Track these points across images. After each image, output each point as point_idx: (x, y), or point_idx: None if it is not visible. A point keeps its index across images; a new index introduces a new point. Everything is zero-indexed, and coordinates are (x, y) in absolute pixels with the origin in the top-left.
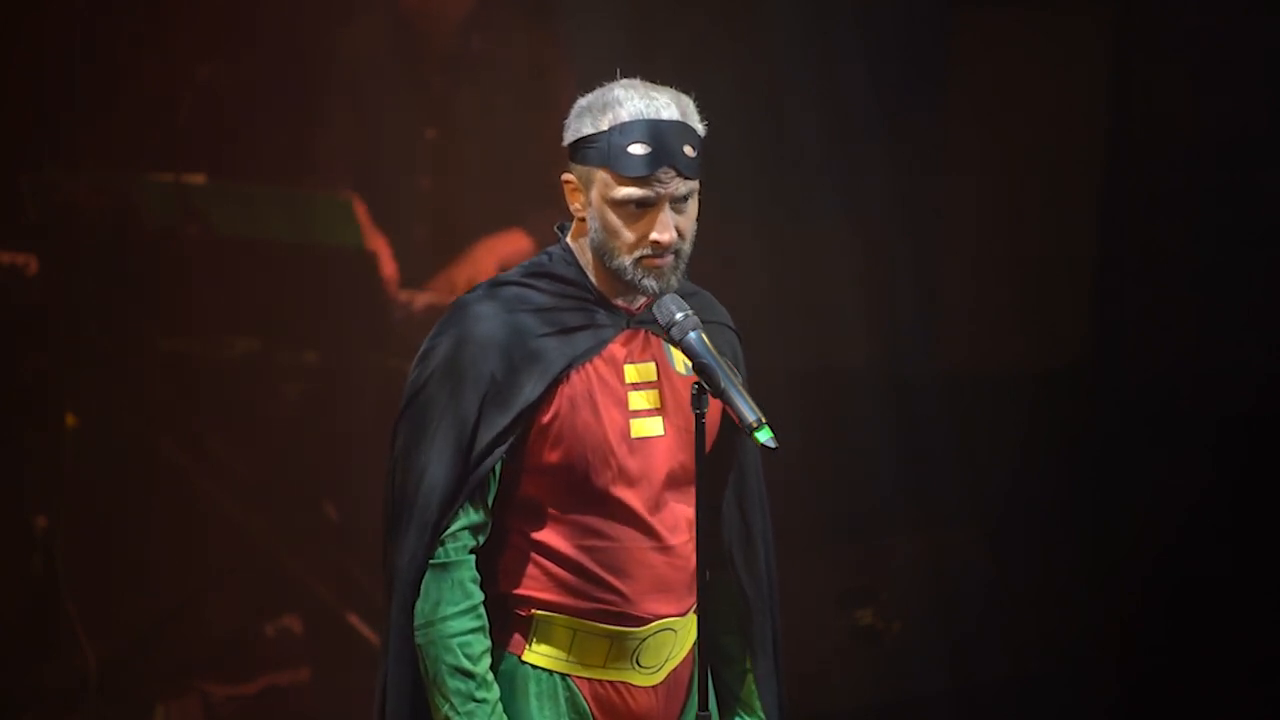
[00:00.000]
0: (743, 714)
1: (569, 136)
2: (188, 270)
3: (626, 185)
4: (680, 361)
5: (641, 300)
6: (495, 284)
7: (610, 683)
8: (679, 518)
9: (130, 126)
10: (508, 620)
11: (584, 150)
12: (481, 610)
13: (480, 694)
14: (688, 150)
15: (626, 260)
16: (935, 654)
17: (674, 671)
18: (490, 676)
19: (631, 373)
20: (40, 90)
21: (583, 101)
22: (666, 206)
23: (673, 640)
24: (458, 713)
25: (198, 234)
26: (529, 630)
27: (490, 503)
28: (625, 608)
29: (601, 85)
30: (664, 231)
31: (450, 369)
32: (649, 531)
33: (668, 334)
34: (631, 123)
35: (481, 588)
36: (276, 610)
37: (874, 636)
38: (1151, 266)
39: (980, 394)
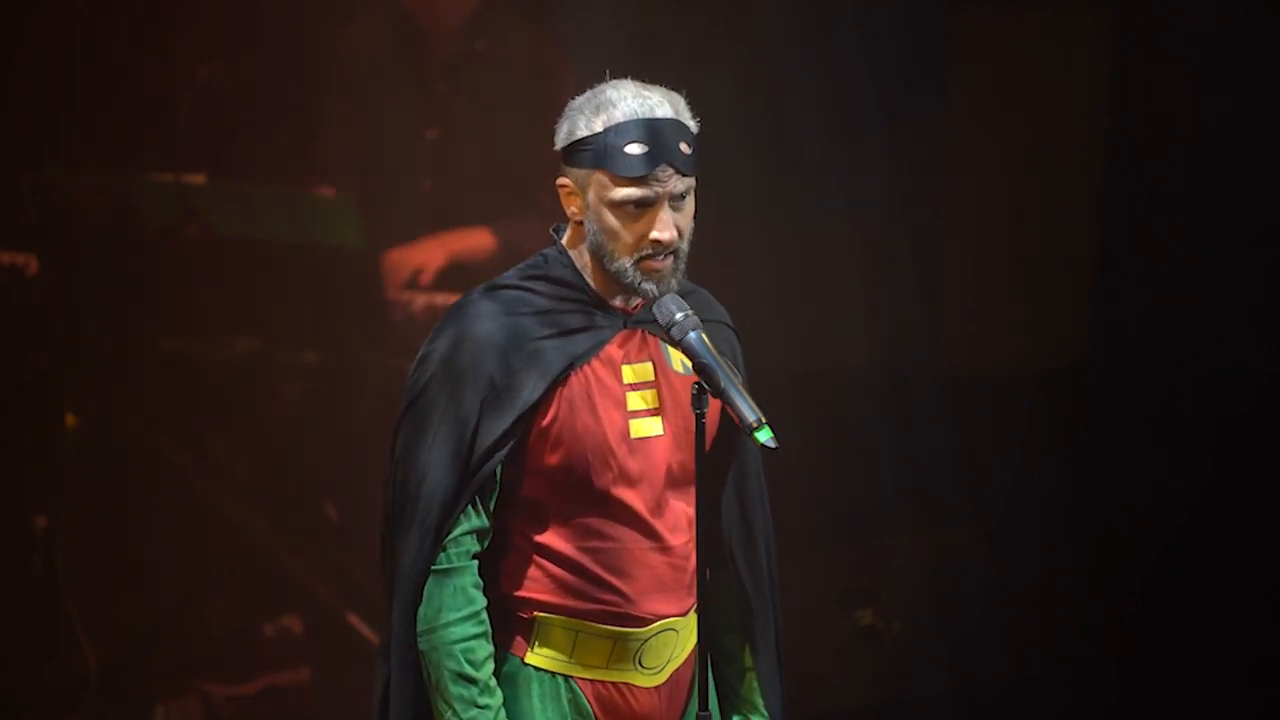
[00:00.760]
0: (745, 712)
1: (561, 140)
2: (188, 270)
3: (625, 186)
4: (678, 360)
5: (638, 300)
6: (493, 286)
7: (613, 684)
8: (679, 517)
9: (130, 126)
10: (510, 622)
11: (579, 153)
12: (484, 616)
13: (483, 700)
14: (684, 147)
15: (626, 262)
16: (935, 654)
17: (676, 672)
18: (493, 682)
19: (629, 373)
20: (40, 90)
21: (574, 104)
22: (665, 205)
23: (674, 640)
24: (460, 718)
25: (198, 234)
26: (531, 632)
27: (492, 507)
28: (627, 608)
29: (592, 87)
30: (665, 230)
31: (450, 371)
32: (649, 532)
33: (668, 334)
34: (627, 123)
35: (484, 591)
36: (276, 610)
37: (874, 636)
38: (1151, 266)
39: (980, 394)
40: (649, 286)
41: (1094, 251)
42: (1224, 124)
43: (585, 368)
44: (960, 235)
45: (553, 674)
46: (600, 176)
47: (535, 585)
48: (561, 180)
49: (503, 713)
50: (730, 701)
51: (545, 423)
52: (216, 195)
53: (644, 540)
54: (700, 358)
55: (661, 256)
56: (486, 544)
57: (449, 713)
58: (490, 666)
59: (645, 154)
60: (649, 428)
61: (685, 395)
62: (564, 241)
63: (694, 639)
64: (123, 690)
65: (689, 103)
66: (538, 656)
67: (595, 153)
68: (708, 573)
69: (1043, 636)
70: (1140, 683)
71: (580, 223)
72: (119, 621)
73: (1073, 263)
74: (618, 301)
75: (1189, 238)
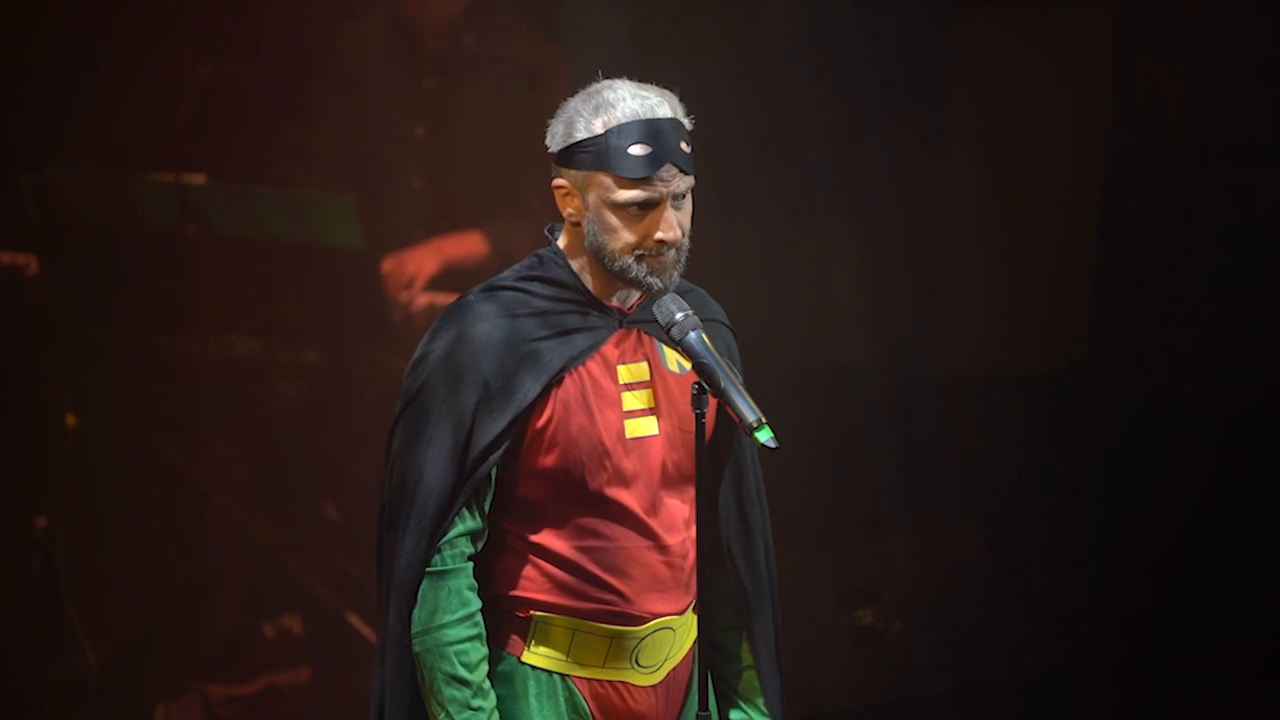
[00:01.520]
0: (744, 711)
1: (558, 142)
2: (188, 270)
3: (630, 188)
4: (673, 360)
5: (634, 299)
6: (491, 287)
7: (609, 682)
8: (676, 516)
9: (130, 126)
10: (507, 621)
11: (578, 155)
12: (479, 618)
13: (476, 702)
14: (684, 146)
15: (630, 260)
16: (935, 654)
17: (673, 671)
18: (487, 684)
19: (624, 373)
20: (40, 90)
21: (569, 105)
22: (669, 204)
23: (671, 639)
24: None
25: (198, 234)
26: (528, 631)
27: (487, 508)
28: (623, 607)
29: (586, 88)
30: (670, 230)
31: (448, 371)
32: (646, 531)
33: (667, 334)
34: (629, 124)
35: (480, 591)
36: (276, 610)
37: (874, 636)
38: (1154, 267)
39: (980, 394)
40: (653, 280)
41: (1095, 251)
42: (1225, 124)
43: (581, 368)
44: (961, 235)
45: (549, 673)
46: (602, 178)
47: (532, 585)
48: (558, 181)
49: (496, 715)
50: (729, 700)
51: (540, 424)
52: (216, 195)
53: (640, 539)
54: (700, 358)
55: (664, 252)
56: (481, 545)
57: (442, 715)
58: (484, 669)
59: (649, 155)
60: (644, 427)
61: (680, 394)
62: (559, 242)
63: (691, 638)
64: (123, 690)
65: (689, 101)
66: (535, 655)
67: (596, 154)
68: (707, 572)
69: (1043, 636)
70: (1140, 683)
71: (577, 224)
72: (119, 621)
73: (1074, 263)
74: (614, 301)
75: (1191, 237)
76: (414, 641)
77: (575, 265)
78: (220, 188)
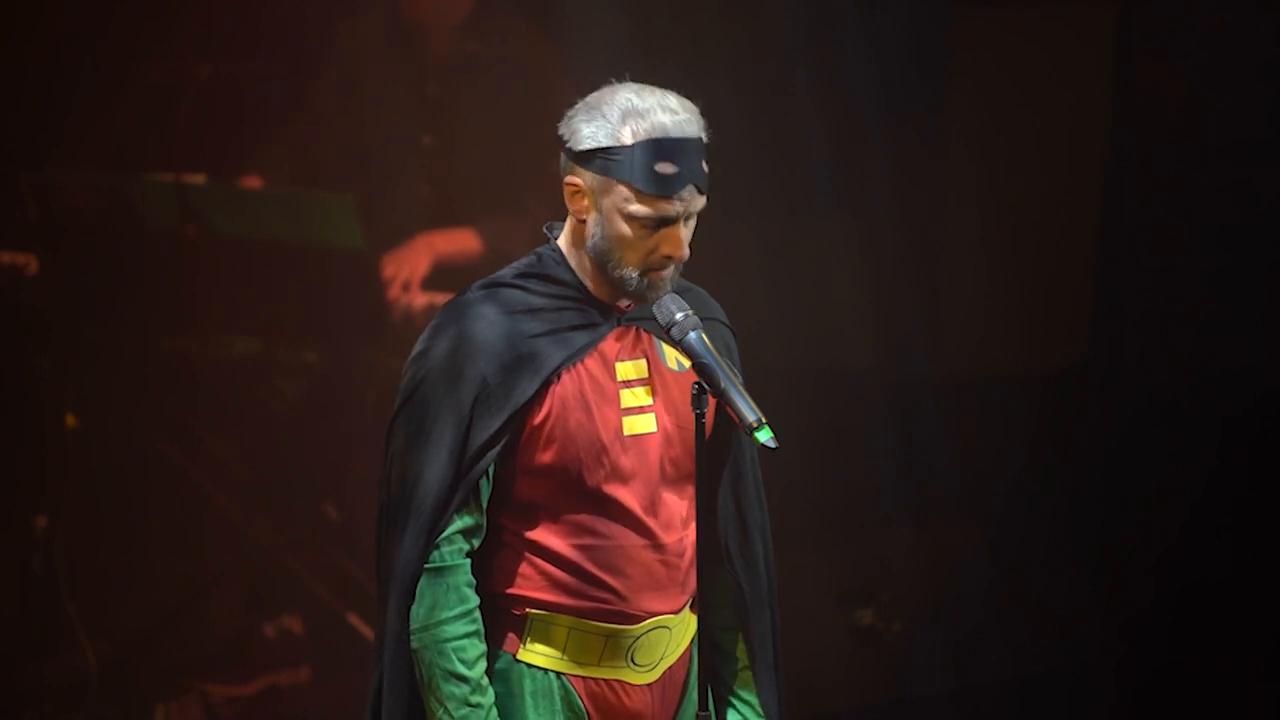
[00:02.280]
0: (742, 710)
1: (581, 142)
2: (188, 270)
3: (648, 203)
4: (671, 357)
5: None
6: (490, 284)
7: (605, 681)
8: (674, 514)
9: (130, 126)
10: (503, 619)
11: (600, 160)
12: (477, 615)
13: (475, 698)
14: (705, 166)
15: (632, 272)
16: (935, 654)
17: (669, 669)
18: (485, 681)
19: (623, 370)
20: (40, 90)
21: (591, 104)
22: (681, 222)
23: (667, 638)
24: (452, 717)
25: (198, 234)
26: (524, 629)
27: (485, 505)
28: (620, 605)
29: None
30: (678, 249)
31: (446, 369)
32: (643, 529)
33: (667, 334)
34: (659, 140)
35: (477, 589)
36: (276, 610)
37: (874, 636)
38: (1154, 267)
39: (981, 394)
40: (651, 293)
41: (1096, 251)
42: (1225, 124)
43: (579, 365)
44: (961, 235)
45: (545, 671)
46: (621, 188)
47: (528, 582)
48: (571, 179)
49: (494, 712)
50: (727, 700)
51: (538, 421)
52: (216, 195)
53: (637, 538)
54: (700, 358)
55: (666, 266)
56: (479, 542)
57: (440, 711)
58: (483, 665)
59: (674, 175)
60: (642, 425)
61: (679, 392)
62: (560, 239)
63: (687, 637)
64: (123, 690)
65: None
66: (531, 653)
67: (621, 165)
68: (706, 571)
69: (1043, 636)
70: (1140, 683)
71: (582, 221)
72: (119, 621)
73: (1074, 263)
74: (613, 299)
75: (1191, 237)
76: (412, 638)
77: (574, 263)
78: (220, 188)
